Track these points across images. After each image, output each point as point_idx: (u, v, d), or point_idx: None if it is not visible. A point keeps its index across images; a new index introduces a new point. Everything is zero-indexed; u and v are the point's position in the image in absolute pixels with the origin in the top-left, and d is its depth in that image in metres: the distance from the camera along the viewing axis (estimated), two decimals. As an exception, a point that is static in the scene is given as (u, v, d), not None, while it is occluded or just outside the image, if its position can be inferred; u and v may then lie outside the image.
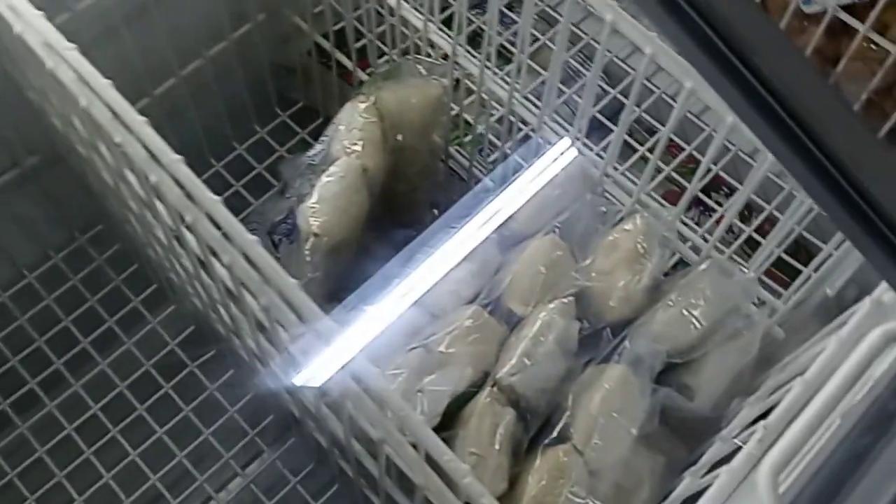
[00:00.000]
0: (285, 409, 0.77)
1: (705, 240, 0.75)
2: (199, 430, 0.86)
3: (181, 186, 0.50)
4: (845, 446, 0.44)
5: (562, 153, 0.74)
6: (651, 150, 0.93)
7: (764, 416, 0.52)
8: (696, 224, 0.92)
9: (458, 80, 0.80)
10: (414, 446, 0.49)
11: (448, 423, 0.63)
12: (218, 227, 0.50)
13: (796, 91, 0.36)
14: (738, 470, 0.47)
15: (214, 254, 0.52)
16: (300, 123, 0.98)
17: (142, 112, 0.51)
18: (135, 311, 0.90)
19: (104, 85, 0.51)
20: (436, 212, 0.90)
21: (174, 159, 0.49)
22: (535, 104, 0.79)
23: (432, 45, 0.79)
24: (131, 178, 0.55)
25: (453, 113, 0.87)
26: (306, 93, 0.95)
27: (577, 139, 0.73)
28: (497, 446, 0.59)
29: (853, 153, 0.37)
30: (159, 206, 0.55)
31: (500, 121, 0.83)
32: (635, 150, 0.92)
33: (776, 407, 0.50)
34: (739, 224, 0.93)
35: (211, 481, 0.85)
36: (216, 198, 0.49)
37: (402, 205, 0.82)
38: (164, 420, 0.87)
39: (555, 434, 0.61)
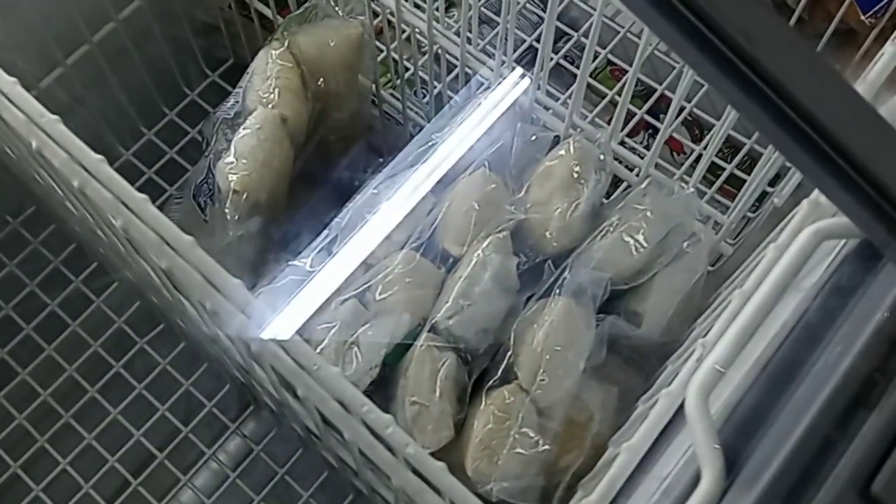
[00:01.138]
0: (235, 377, 0.75)
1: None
2: (155, 408, 0.84)
3: (64, 149, 0.47)
4: (781, 356, 0.41)
5: (508, 90, 0.70)
6: (592, 73, 0.90)
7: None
8: (646, 149, 0.88)
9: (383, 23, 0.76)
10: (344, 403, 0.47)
11: (393, 373, 0.61)
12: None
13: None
14: (676, 393, 0.45)
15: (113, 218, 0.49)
16: (232, 82, 0.93)
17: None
18: (77, 291, 0.88)
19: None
20: (381, 160, 0.87)
21: (51, 119, 0.46)
22: (469, 40, 0.75)
23: (348, -18, 0.75)
24: (20, 146, 0.52)
25: (382, 56, 0.83)
26: (234, 49, 0.91)
27: (503, 65, 0.69)
28: (438, 393, 0.57)
29: (772, 51, 0.34)
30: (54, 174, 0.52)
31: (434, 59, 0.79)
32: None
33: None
34: (692, 145, 0.90)
35: (173, 459, 0.83)
36: (99, 157, 0.46)
37: (337, 155, 0.78)
38: (118, 401, 0.84)
39: (499, 375, 0.58)
